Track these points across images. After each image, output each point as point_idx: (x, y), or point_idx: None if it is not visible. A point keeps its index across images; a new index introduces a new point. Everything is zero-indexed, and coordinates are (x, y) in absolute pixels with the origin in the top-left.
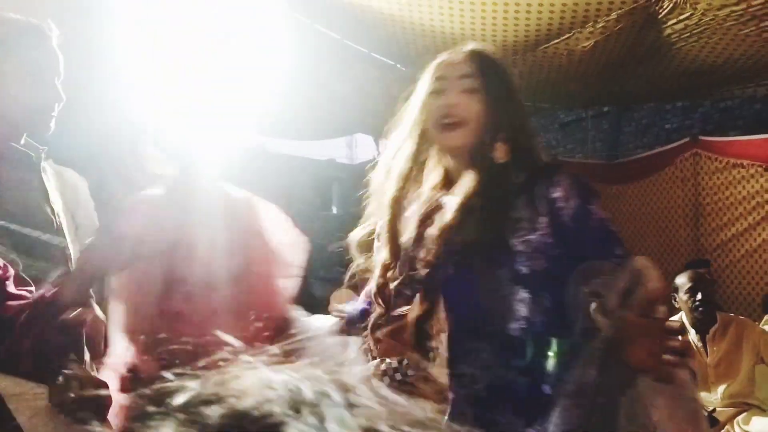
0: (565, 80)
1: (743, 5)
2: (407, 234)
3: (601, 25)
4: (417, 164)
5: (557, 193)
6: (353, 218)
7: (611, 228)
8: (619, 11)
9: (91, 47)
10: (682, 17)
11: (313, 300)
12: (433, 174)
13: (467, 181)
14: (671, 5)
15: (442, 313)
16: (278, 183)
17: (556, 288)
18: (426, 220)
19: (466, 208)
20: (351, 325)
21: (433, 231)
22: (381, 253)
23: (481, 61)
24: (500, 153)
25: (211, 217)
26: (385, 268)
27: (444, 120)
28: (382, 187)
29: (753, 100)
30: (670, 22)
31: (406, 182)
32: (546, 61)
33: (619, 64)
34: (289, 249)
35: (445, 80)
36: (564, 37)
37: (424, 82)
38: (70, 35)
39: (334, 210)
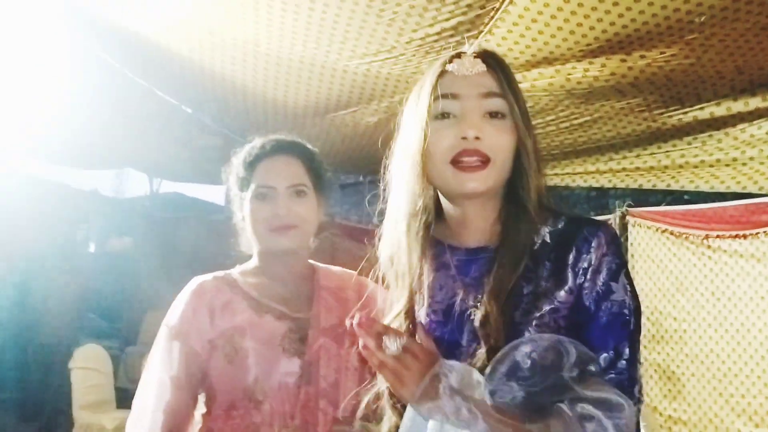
0: (349, 148)
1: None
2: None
3: (385, 104)
4: (425, 221)
5: (589, 260)
6: (110, 258)
7: (625, 313)
8: (402, 94)
9: None
10: None
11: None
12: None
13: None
14: None
15: None
16: (25, 211)
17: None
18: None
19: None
20: None
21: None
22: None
23: (503, 71)
24: (532, 196)
25: None
26: None
27: (465, 157)
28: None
29: None
30: None
31: (420, 261)
32: (333, 128)
33: None
34: None
35: (460, 99)
36: (351, 110)
37: (424, 98)
38: None
39: (91, 248)
